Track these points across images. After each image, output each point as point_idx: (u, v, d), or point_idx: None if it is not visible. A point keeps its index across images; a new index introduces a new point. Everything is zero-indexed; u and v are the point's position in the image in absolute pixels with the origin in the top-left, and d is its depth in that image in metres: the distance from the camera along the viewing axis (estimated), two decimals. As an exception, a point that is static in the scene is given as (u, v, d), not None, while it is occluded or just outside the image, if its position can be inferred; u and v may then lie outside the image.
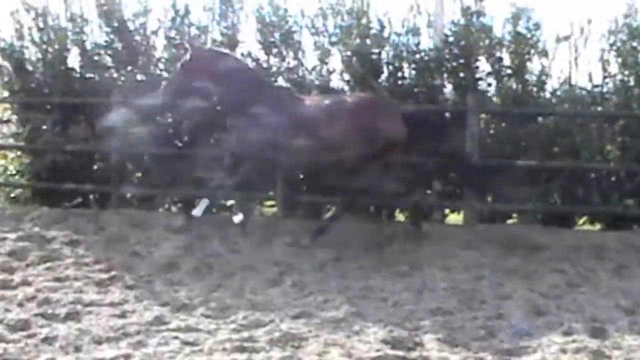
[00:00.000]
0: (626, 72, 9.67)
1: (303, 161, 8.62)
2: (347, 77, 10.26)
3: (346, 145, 8.16)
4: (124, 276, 7.22)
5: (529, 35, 9.94)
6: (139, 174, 10.79)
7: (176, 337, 5.48)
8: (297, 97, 8.79)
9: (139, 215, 9.88)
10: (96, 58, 11.01)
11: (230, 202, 9.46)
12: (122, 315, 6.03)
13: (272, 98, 8.54)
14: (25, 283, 6.91)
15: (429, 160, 9.34)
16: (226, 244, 8.51)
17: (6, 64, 11.14)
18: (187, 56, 8.69)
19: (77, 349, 5.24)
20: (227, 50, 9.55)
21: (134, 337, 5.46)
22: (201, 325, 5.82)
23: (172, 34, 10.79)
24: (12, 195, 11.24)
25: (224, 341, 5.42)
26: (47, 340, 5.36)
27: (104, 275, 7.23)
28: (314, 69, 10.39)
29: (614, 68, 9.79)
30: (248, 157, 8.50)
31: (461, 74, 10.03)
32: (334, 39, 10.32)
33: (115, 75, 10.92)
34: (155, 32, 10.92)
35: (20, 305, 6.23)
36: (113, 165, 10.39)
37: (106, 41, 10.99)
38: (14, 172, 11.32)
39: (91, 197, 10.89)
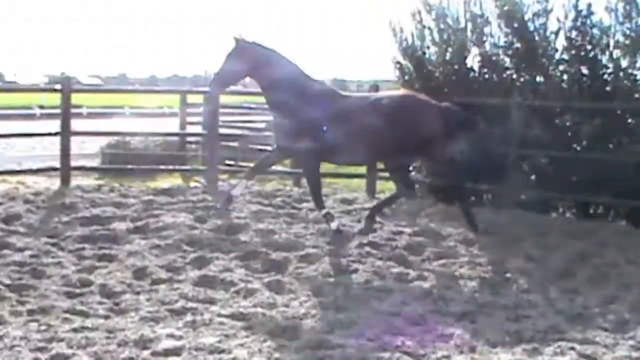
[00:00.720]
0: None
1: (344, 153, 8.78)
2: None
3: (379, 141, 8.46)
4: (518, 280, 7.08)
5: None
6: (534, 176, 10.51)
7: (572, 348, 5.25)
8: (340, 93, 9.08)
9: (534, 218, 9.65)
10: (494, 58, 10.96)
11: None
12: (517, 319, 5.91)
13: (314, 93, 8.71)
14: (420, 278, 7.08)
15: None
16: (623, 253, 8.00)
17: (407, 63, 11.56)
18: (233, 49, 8.81)
19: (472, 350, 5.24)
20: (271, 47, 9.08)
21: (529, 344, 5.31)
22: (598, 338, 5.50)
23: (573, 34, 10.32)
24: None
25: (623, 358, 5.09)
26: (443, 337, 5.41)
27: (498, 277, 7.14)
28: None
29: None
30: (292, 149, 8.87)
31: None
32: None
33: (514, 76, 10.77)
34: (555, 33, 10.55)
35: (416, 299, 6.37)
36: (509, 166, 10.24)
37: (505, 42, 10.88)
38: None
39: (485, 196, 10.86)
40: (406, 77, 11.56)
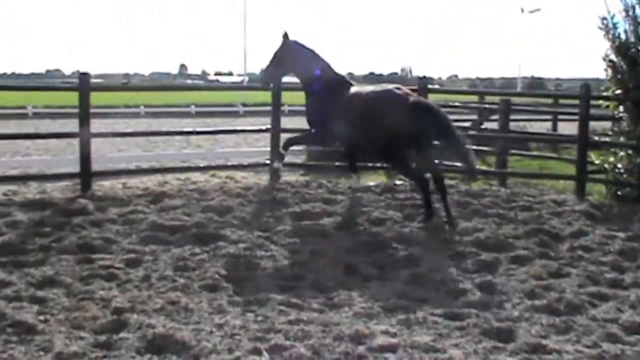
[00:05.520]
0: None
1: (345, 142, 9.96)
2: None
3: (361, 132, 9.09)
4: None
5: None
6: None
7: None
8: (349, 85, 9.80)
9: None
10: None
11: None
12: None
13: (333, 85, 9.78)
14: (636, 284, 6.77)
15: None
16: None
17: (620, 61, 11.05)
18: (279, 47, 10.23)
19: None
20: (308, 46, 10.23)
21: None
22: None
23: None
24: (619, 193, 11.13)
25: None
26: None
27: None
28: None
29: None
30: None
31: None
32: None
33: None
34: None
35: (632, 307, 6.11)
36: None
37: None
38: (622, 170, 11.19)
39: None
40: (619, 76, 11.08)
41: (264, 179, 11.96)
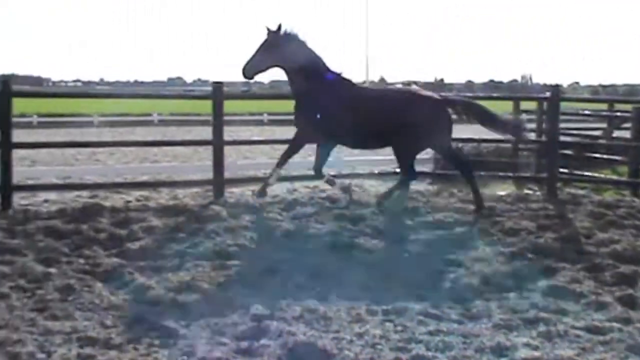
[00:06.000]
0: None
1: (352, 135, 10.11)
2: None
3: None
4: None
5: None
6: None
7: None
8: (353, 83, 10.40)
9: None
10: None
11: None
12: None
13: (329, 82, 10.10)
14: None
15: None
16: None
17: None
18: (265, 39, 10.04)
19: None
20: (300, 37, 10.15)
21: None
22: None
23: None
24: None
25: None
26: None
27: None
28: None
29: None
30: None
31: None
32: None
33: None
34: None
35: None
36: None
37: None
38: None
39: None
40: None
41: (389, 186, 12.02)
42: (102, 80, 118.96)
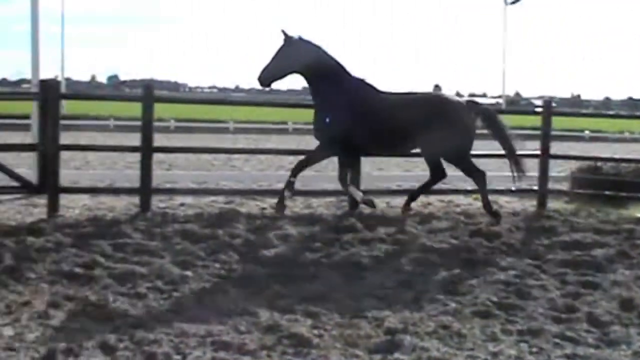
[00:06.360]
0: None
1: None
2: None
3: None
4: None
5: None
6: None
7: None
8: (374, 88, 10.26)
9: None
10: None
11: None
12: None
13: (350, 87, 10.08)
14: None
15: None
16: None
17: None
18: (282, 44, 9.88)
19: None
20: (317, 43, 10.09)
21: None
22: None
23: None
24: None
25: None
26: None
27: None
28: None
29: None
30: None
31: None
32: None
33: None
34: None
35: None
36: None
37: None
38: None
39: None
40: None
41: (528, 204, 11.88)
42: (237, 87, 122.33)
